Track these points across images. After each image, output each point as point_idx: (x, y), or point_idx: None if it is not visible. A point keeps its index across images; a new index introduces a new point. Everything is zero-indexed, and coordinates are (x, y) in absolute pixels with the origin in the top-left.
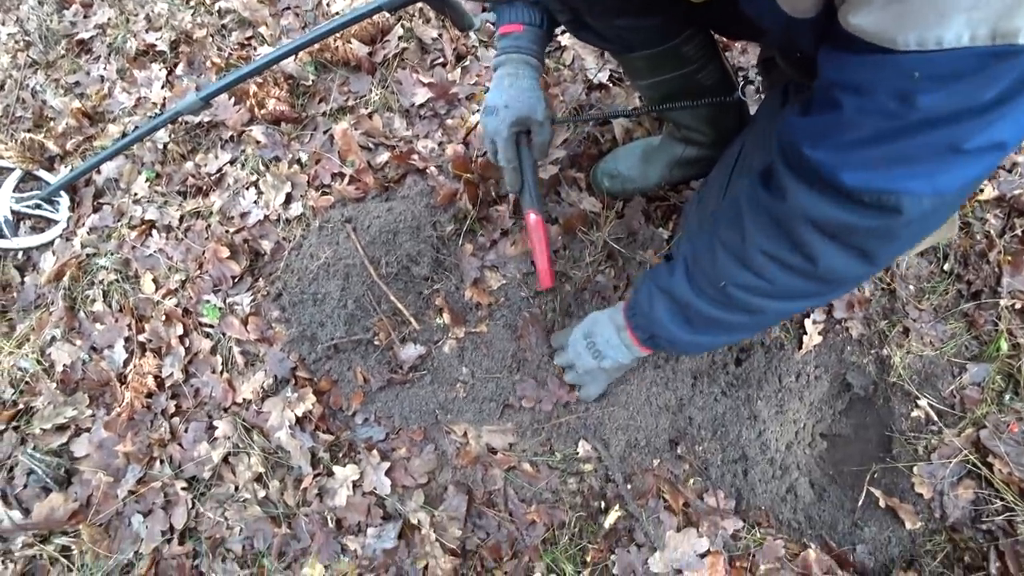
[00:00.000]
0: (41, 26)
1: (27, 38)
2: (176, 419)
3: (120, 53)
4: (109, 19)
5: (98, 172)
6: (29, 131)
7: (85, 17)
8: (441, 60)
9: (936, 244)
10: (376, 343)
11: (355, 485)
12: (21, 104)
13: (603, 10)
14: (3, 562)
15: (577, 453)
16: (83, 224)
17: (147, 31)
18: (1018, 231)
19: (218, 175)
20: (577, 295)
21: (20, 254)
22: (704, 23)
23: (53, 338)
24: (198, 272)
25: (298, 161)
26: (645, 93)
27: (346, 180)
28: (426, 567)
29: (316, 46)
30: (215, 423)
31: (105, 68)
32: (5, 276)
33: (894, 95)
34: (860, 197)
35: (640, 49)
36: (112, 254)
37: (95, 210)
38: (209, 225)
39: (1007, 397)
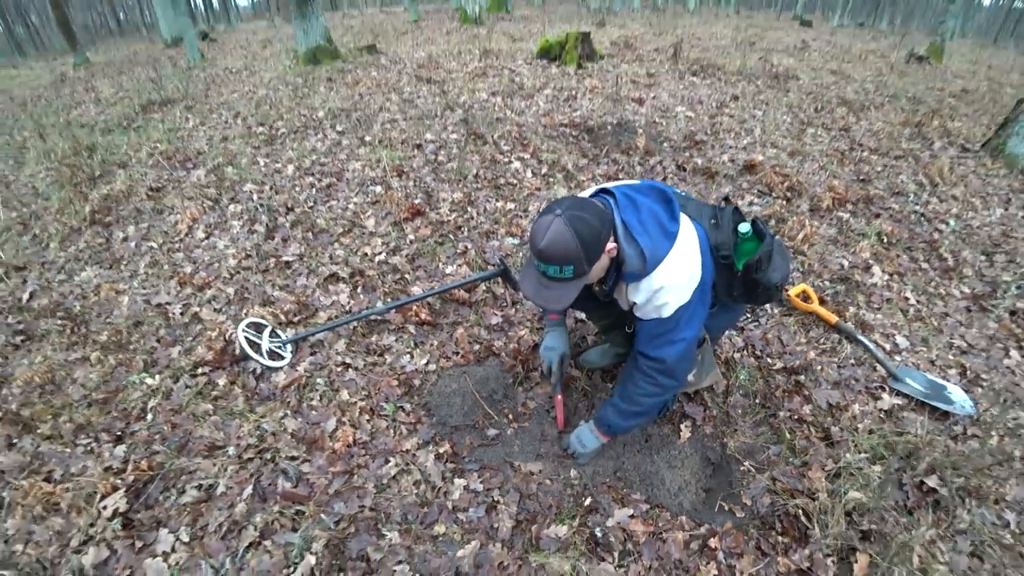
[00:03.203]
0: (256, 248)
1: (246, 252)
2: (366, 457)
3: (315, 273)
4: (303, 251)
5: (311, 336)
6: (258, 307)
7: (285, 246)
8: (505, 303)
9: (713, 383)
10: (476, 427)
11: (464, 488)
12: (247, 291)
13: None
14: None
15: (571, 474)
16: (303, 360)
17: (331, 263)
18: (792, 381)
19: (387, 347)
20: (570, 415)
21: (258, 369)
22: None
23: (284, 415)
24: (377, 391)
25: (432, 344)
26: (592, 320)
27: (459, 356)
28: (498, 528)
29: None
30: (389, 459)
31: (306, 280)
32: (245, 379)
33: (654, 329)
34: (655, 357)
35: (595, 321)
36: (323, 377)
37: (311, 354)
38: (383, 369)
39: (789, 458)
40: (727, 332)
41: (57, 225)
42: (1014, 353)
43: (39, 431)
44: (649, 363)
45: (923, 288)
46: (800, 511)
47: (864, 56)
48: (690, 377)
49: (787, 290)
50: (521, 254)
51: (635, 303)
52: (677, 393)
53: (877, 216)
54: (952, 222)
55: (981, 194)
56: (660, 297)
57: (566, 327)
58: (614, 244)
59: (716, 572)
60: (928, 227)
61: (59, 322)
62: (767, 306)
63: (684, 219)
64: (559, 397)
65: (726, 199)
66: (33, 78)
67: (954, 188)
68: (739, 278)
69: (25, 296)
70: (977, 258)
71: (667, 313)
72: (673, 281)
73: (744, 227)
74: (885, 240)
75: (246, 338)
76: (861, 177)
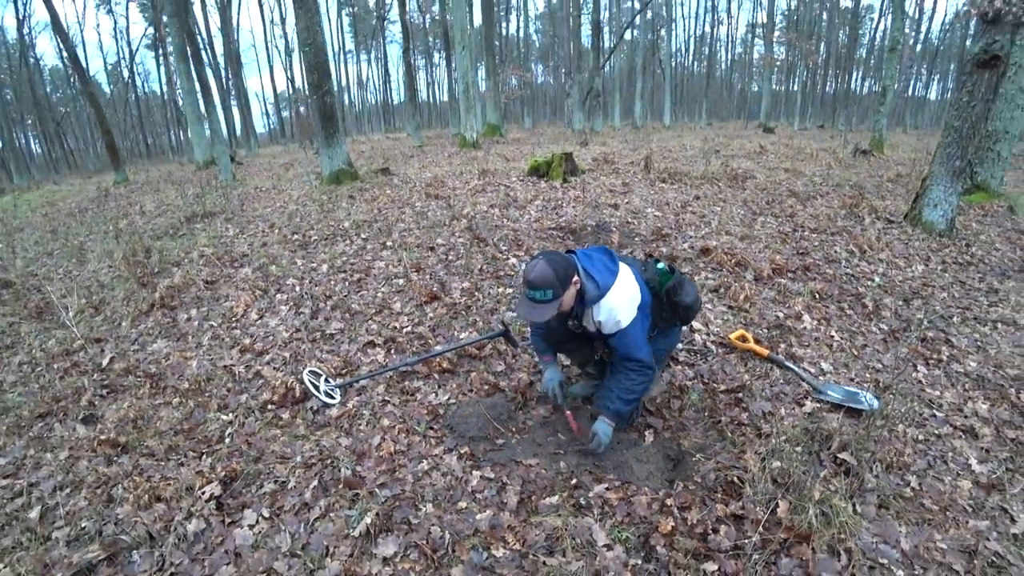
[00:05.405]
0: (303, 325)
1: (295, 328)
2: (405, 460)
3: (355, 341)
4: (343, 327)
5: (357, 383)
6: (312, 361)
7: (327, 323)
8: (507, 356)
9: (658, 393)
10: (487, 438)
11: (480, 476)
12: (300, 355)
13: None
14: None
15: (561, 465)
16: (351, 399)
17: (368, 334)
18: (733, 398)
19: (417, 388)
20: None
21: (315, 406)
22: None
23: (338, 436)
24: (410, 418)
25: (452, 386)
26: (573, 360)
27: (473, 392)
28: (506, 502)
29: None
30: (423, 461)
31: (348, 346)
32: (305, 414)
33: (626, 342)
34: (637, 359)
35: (575, 360)
36: (368, 410)
37: (357, 394)
38: (415, 404)
39: (730, 449)
40: (681, 368)
41: (126, 309)
42: (921, 368)
43: (136, 450)
44: (635, 363)
45: (847, 328)
46: (736, 478)
47: (816, 154)
48: None
49: (728, 336)
50: (519, 324)
51: (600, 322)
52: (641, 402)
53: (813, 280)
54: (877, 278)
55: (904, 255)
56: (616, 315)
57: (558, 363)
58: (578, 279)
59: (672, 523)
60: (856, 284)
61: (138, 379)
62: (711, 347)
63: (622, 264)
64: (568, 412)
65: (649, 255)
66: (75, 193)
67: (880, 253)
68: (665, 303)
69: (105, 361)
70: (896, 303)
71: (624, 325)
72: (620, 303)
73: (660, 264)
74: (817, 296)
75: (308, 380)
76: (800, 251)
